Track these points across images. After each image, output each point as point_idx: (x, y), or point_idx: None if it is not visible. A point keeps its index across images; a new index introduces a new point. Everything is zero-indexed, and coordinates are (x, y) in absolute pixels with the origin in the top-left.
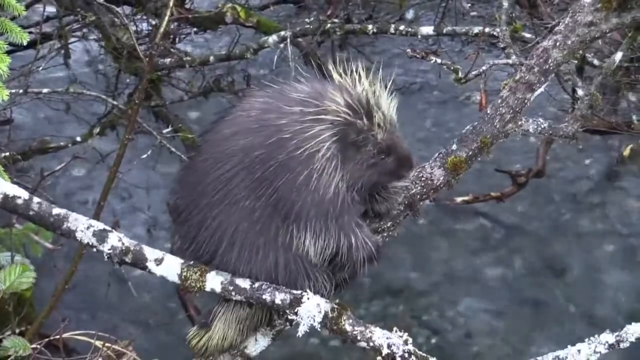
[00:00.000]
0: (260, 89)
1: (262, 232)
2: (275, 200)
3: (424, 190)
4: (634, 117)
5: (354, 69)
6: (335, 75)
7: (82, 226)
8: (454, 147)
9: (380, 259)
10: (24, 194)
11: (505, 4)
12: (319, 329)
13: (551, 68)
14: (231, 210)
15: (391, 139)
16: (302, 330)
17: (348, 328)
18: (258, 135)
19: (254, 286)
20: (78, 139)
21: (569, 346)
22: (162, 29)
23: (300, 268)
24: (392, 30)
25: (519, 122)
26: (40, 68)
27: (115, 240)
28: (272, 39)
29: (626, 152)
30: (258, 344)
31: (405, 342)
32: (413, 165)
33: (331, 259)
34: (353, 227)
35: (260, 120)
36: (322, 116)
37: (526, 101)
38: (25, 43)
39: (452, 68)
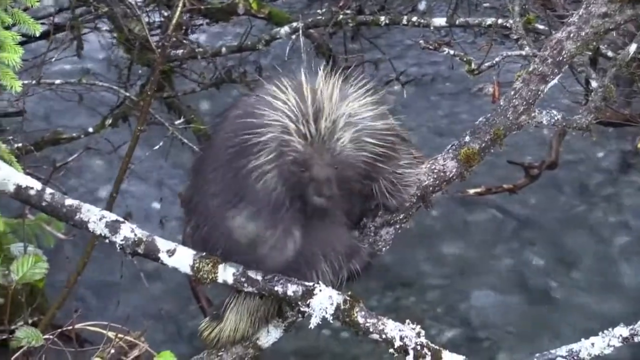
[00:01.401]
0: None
1: None
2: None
3: (437, 182)
4: None
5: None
6: (302, 78)
7: (95, 217)
8: (467, 138)
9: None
10: (36, 185)
11: None
12: (331, 321)
13: (565, 60)
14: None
15: (312, 155)
16: (314, 322)
17: (360, 320)
18: (233, 138)
19: (266, 278)
20: (90, 130)
21: (582, 339)
22: (174, 20)
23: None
24: (404, 21)
25: (533, 114)
26: (53, 59)
27: (128, 231)
28: (284, 30)
29: (639, 144)
30: (270, 335)
31: (418, 335)
32: (322, 192)
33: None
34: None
35: (234, 123)
36: (270, 117)
37: (540, 93)
38: (38, 34)
39: (465, 59)
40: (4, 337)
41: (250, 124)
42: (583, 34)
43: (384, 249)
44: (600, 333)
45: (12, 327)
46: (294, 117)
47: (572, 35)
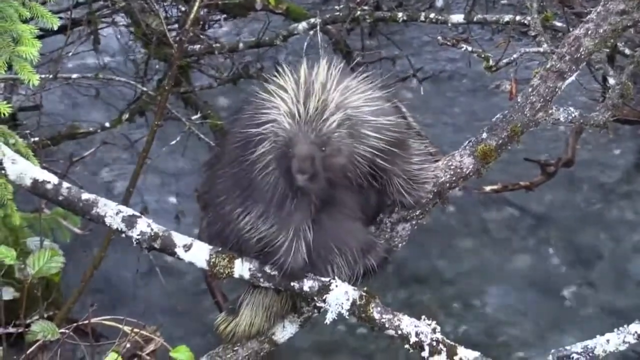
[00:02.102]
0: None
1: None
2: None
3: (453, 178)
4: None
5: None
6: (304, 69)
7: (111, 211)
8: (484, 135)
9: (295, 275)
10: (53, 179)
11: None
12: (347, 317)
13: (582, 56)
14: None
15: (296, 133)
16: (330, 317)
17: (376, 316)
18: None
19: None
20: (107, 124)
21: (597, 336)
22: (192, 15)
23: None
24: (422, 18)
25: (550, 111)
26: (70, 54)
27: (144, 225)
28: (302, 26)
29: None
30: (286, 330)
31: (434, 331)
32: (303, 168)
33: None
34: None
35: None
36: (269, 104)
37: (557, 90)
38: (55, 28)
39: (482, 56)
40: (20, 330)
41: (254, 117)
42: (601, 31)
43: (400, 244)
44: (615, 330)
45: (28, 321)
46: (287, 100)
47: (590, 32)
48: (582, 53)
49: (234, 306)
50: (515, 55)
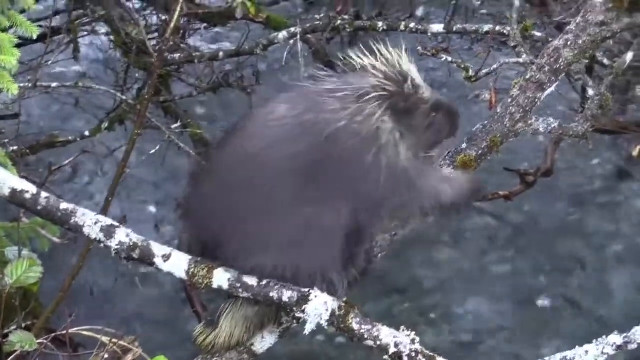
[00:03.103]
0: (275, 94)
1: (308, 234)
2: (345, 193)
3: None
4: None
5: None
6: (355, 58)
7: (90, 221)
8: (464, 145)
9: (479, 190)
10: (32, 189)
11: (517, 3)
12: (325, 327)
13: (562, 67)
14: (271, 218)
15: (431, 96)
16: (309, 328)
17: (355, 326)
18: (303, 139)
19: (261, 283)
20: (86, 133)
21: (576, 347)
22: (172, 24)
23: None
24: (402, 27)
25: (529, 122)
26: (50, 62)
27: (123, 235)
28: (282, 35)
29: (635, 152)
30: (265, 341)
31: (413, 341)
32: (458, 114)
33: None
34: (436, 179)
35: (300, 124)
36: (367, 96)
37: (536, 100)
38: (35, 37)
39: (462, 66)
40: None
41: (349, 117)
42: (580, 42)
43: (379, 255)
44: (594, 341)
45: (6, 331)
46: (397, 77)
47: (569, 43)
48: (562, 64)
49: (212, 317)
50: (495, 66)
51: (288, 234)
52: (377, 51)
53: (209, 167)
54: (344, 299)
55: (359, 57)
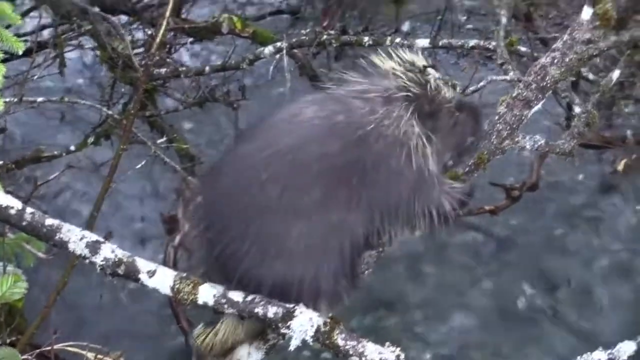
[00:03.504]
0: (296, 97)
1: (330, 242)
2: (373, 200)
3: None
4: (628, 132)
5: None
6: (377, 61)
7: (75, 237)
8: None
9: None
10: (17, 204)
11: (504, 20)
12: (311, 343)
13: (549, 85)
14: (296, 221)
15: (453, 95)
16: (294, 344)
17: (340, 342)
18: (334, 141)
19: (246, 299)
20: (72, 148)
21: None
22: (158, 39)
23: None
24: (388, 42)
25: (516, 139)
26: (36, 77)
27: (108, 251)
28: (268, 49)
29: (620, 166)
30: (251, 357)
31: (398, 357)
32: (481, 112)
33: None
34: (445, 190)
35: (330, 125)
36: (394, 100)
37: (523, 118)
38: (20, 52)
39: (450, 83)
40: None
41: (378, 120)
42: (567, 59)
43: (366, 271)
44: (578, 357)
45: None
46: (419, 80)
47: (556, 61)
48: (548, 82)
49: (212, 319)
50: (482, 83)
51: (312, 239)
52: (396, 54)
53: (226, 165)
54: (329, 315)
55: (380, 60)
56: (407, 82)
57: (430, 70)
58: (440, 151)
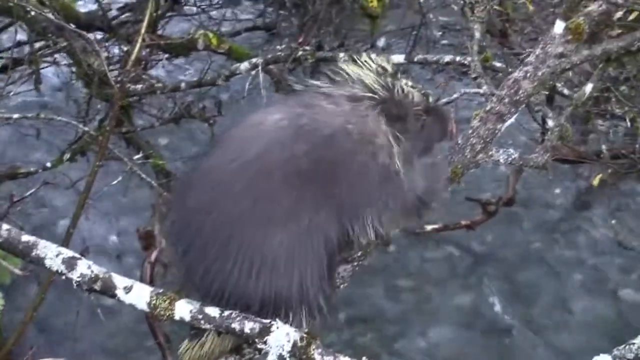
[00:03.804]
0: (265, 106)
1: (306, 246)
2: (340, 198)
3: None
4: (603, 147)
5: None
6: (344, 68)
7: (52, 253)
8: None
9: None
10: None
11: (477, 35)
12: (287, 358)
13: (522, 99)
14: (273, 230)
15: (421, 100)
16: (271, 359)
17: (317, 357)
18: (301, 142)
19: (223, 315)
20: (48, 164)
21: None
22: (133, 55)
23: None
24: (364, 58)
25: (490, 153)
26: (11, 93)
27: (85, 267)
28: (244, 65)
29: (595, 181)
30: None
31: None
32: (450, 116)
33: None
34: (418, 179)
35: (296, 127)
36: (360, 99)
37: (497, 131)
38: None
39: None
40: None
41: (346, 121)
42: (540, 73)
43: (342, 286)
44: None
45: None
46: (386, 84)
47: (529, 74)
48: (521, 95)
49: (197, 331)
50: (455, 95)
51: (292, 247)
52: (363, 61)
53: (196, 180)
54: (306, 330)
55: (347, 66)
56: (375, 86)
57: (398, 74)
58: (407, 153)
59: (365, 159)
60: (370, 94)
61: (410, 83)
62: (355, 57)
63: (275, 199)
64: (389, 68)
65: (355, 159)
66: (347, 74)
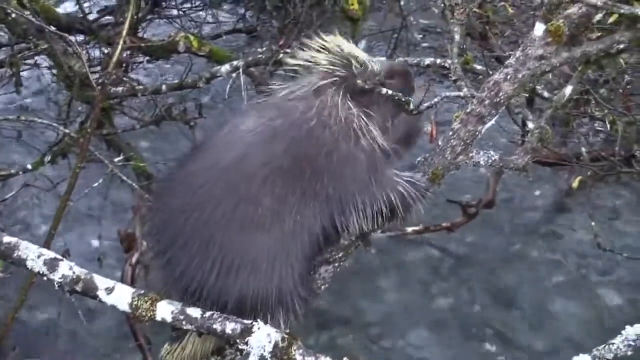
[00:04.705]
0: (240, 111)
1: (288, 248)
2: (328, 190)
3: None
4: (583, 150)
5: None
6: (297, 59)
7: (33, 255)
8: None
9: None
10: None
11: (457, 38)
12: (268, 359)
13: (502, 101)
14: (254, 232)
15: (381, 67)
16: None
17: (298, 358)
18: (278, 142)
19: (204, 315)
20: (29, 167)
21: None
22: (114, 58)
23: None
24: None
25: (470, 154)
26: None
27: (66, 268)
28: (225, 68)
29: (575, 183)
30: None
31: None
32: (410, 70)
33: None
34: (395, 177)
35: (272, 129)
36: (323, 89)
37: (477, 133)
38: None
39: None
40: None
41: (315, 113)
42: (520, 75)
43: (323, 286)
44: None
45: None
46: (344, 61)
47: (509, 77)
48: (502, 97)
49: (178, 333)
50: (435, 99)
51: (273, 248)
52: (315, 45)
53: (178, 183)
54: (287, 331)
55: (300, 55)
56: (331, 67)
57: (352, 48)
58: (383, 123)
59: (349, 145)
60: (331, 79)
61: (364, 54)
62: (309, 43)
63: (257, 202)
64: (344, 46)
65: (339, 147)
66: (303, 64)
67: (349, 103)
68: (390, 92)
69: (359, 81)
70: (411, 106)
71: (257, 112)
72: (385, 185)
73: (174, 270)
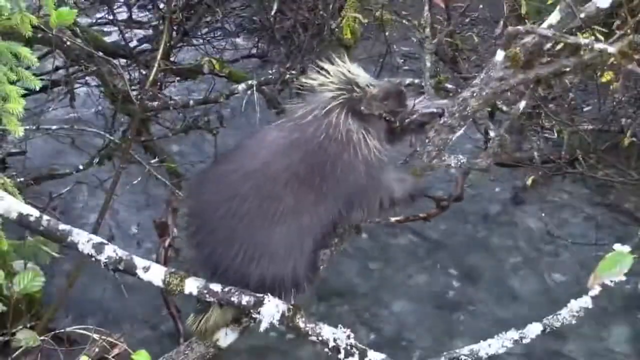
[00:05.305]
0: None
1: (303, 240)
2: (335, 192)
3: None
4: (535, 154)
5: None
6: (310, 81)
7: (83, 239)
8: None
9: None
10: (35, 213)
11: (428, 64)
12: (277, 326)
13: (469, 114)
14: (276, 225)
15: (379, 91)
16: (263, 326)
17: (301, 325)
18: (295, 152)
19: (224, 290)
20: (80, 167)
21: (481, 341)
22: (151, 78)
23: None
24: None
25: (443, 158)
26: (50, 109)
27: (111, 251)
28: (241, 86)
29: (529, 181)
30: (228, 337)
31: (348, 337)
32: (403, 91)
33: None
34: (388, 181)
35: (290, 141)
36: (331, 111)
37: (448, 141)
38: (37, 88)
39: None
40: (7, 339)
41: (325, 128)
42: (484, 93)
43: (322, 267)
44: (495, 336)
45: (14, 330)
46: (347, 85)
47: (475, 94)
48: (469, 111)
49: (202, 306)
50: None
51: (290, 240)
52: (323, 69)
53: (210, 181)
54: (292, 302)
55: (310, 79)
56: (337, 92)
57: (354, 74)
58: (380, 137)
59: (349, 156)
60: (336, 102)
61: (365, 78)
62: (320, 68)
63: (279, 200)
64: (346, 69)
65: (342, 157)
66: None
67: (350, 121)
68: (382, 112)
69: (359, 103)
70: (397, 123)
71: (279, 128)
72: (379, 188)
73: (202, 251)
